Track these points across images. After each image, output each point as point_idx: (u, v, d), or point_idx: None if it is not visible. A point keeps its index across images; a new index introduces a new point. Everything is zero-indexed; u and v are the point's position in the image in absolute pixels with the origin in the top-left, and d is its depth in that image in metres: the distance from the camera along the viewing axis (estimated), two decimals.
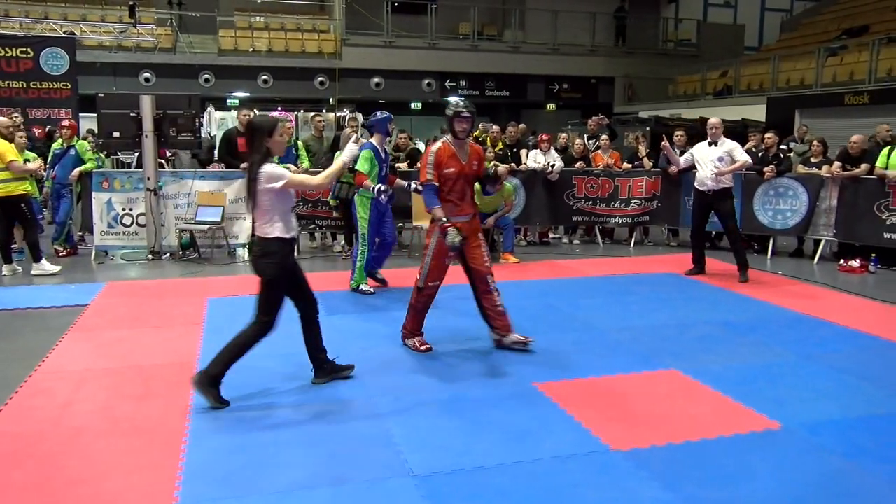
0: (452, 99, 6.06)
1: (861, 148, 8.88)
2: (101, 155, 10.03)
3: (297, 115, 17.47)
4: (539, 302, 6.76)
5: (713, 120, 8.00)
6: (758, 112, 16.53)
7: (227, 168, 9.18)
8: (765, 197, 9.29)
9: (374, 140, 6.79)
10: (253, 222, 4.39)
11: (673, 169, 9.23)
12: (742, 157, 7.74)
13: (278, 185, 4.02)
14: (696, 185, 7.96)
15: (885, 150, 8.56)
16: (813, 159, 9.38)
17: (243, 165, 8.99)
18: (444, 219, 4.93)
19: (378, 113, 6.88)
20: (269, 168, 4.05)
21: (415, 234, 9.55)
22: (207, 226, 8.74)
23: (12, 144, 7.70)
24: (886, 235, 8.45)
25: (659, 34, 23.76)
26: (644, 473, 3.39)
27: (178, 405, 4.15)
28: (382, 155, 6.78)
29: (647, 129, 15.32)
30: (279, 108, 18.92)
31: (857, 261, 8.42)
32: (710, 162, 7.71)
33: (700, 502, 3.14)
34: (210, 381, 4.11)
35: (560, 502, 3.14)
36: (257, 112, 9.41)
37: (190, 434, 3.77)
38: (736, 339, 5.64)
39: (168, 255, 8.86)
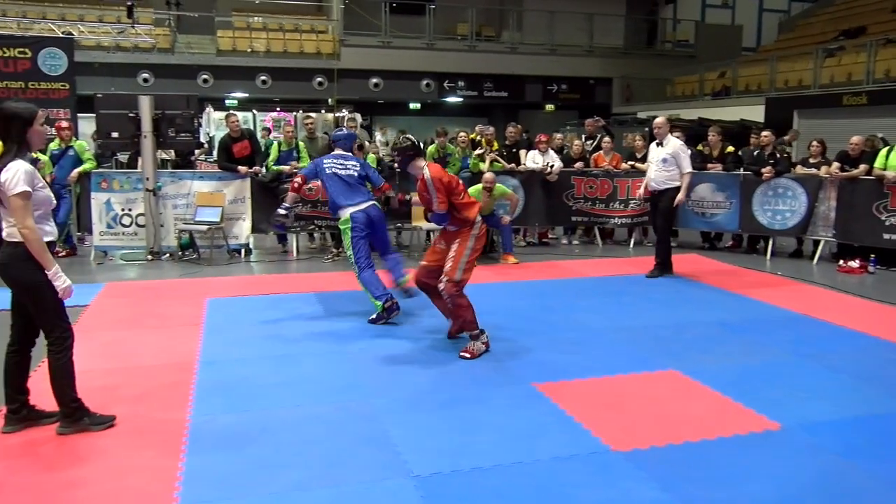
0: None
1: (861, 149, 8.90)
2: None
3: (295, 116, 17.47)
4: (537, 302, 6.76)
5: (658, 119, 8.04)
6: (756, 113, 16.56)
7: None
8: (763, 198, 9.30)
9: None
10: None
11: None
12: (686, 166, 7.72)
13: (16, 190, 3.48)
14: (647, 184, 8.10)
15: (884, 151, 8.57)
16: (812, 160, 9.39)
17: (242, 169, 9.04)
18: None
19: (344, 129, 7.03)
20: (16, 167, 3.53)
21: (414, 234, 9.56)
22: (206, 226, 8.73)
23: None
24: (885, 236, 8.45)
25: (656, 35, 23.78)
26: (643, 474, 3.39)
27: (178, 406, 4.14)
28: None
29: (646, 129, 15.35)
30: (278, 109, 18.90)
31: (857, 261, 8.43)
32: (656, 162, 7.79)
33: (699, 503, 3.14)
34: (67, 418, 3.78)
35: (559, 503, 3.14)
36: (244, 115, 9.32)
37: (189, 435, 3.76)
38: (733, 339, 5.64)
39: (167, 255, 8.86)
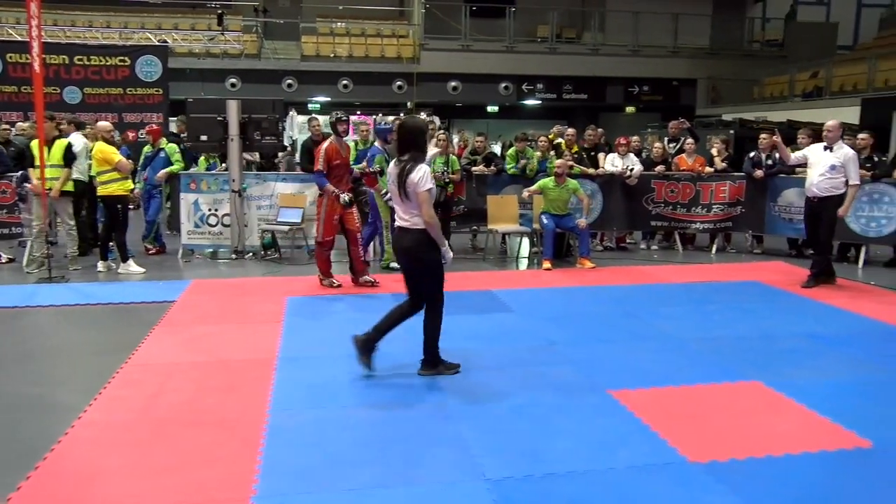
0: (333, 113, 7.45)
1: None
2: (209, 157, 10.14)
3: (374, 119, 17.70)
4: (615, 308, 6.65)
5: (830, 123, 7.52)
6: (851, 114, 15.75)
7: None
8: (857, 203, 8.83)
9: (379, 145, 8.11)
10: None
11: (759, 173, 8.89)
12: (855, 177, 7.31)
13: (426, 188, 4.42)
14: (805, 190, 7.64)
15: None
16: None
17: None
18: (334, 191, 7.03)
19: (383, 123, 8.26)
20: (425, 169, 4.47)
21: (489, 237, 9.55)
22: (288, 227, 8.98)
23: (114, 147, 8.12)
24: None
25: (744, 34, 22.99)
26: (722, 487, 3.28)
27: (258, 400, 4.28)
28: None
29: (731, 132, 14.86)
30: (358, 112, 19.25)
31: None
32: (823, 167, 7.36)
33: None
34: (365, 345, 4.64)
35: None
36: (325, 119, 9.67)
37: (269, 428, 3.88)
38: (824, 351, 5.39)
39: (250, 254, 9.15)
